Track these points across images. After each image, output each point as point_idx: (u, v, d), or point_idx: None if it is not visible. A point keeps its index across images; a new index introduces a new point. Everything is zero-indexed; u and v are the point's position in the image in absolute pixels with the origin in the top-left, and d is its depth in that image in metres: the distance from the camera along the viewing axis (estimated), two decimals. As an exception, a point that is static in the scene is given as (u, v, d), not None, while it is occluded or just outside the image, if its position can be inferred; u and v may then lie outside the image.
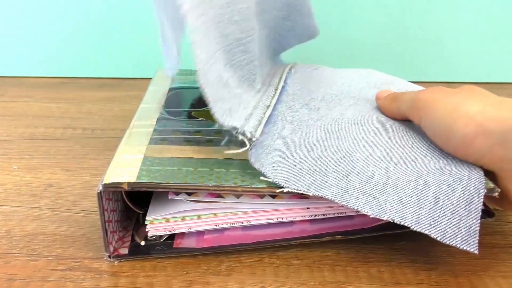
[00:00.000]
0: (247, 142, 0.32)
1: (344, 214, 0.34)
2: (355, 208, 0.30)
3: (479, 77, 0.70)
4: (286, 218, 0.34)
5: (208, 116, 0.43)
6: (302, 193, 0.31)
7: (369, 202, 0.31)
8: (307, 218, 0.34)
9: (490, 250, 0.35)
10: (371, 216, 0.30)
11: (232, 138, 0.36)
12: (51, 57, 0.71)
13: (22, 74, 0.71)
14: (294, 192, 0.31)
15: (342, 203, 0.30)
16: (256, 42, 0.38)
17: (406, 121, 0.38)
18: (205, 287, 0.31)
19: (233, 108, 0.34)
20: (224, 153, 0.34)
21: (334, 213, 0.34)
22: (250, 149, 0.32)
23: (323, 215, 0.34)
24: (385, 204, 0.31)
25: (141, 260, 0.33)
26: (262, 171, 0.32)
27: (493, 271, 0.32)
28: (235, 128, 0.33)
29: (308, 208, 0.34)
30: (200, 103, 0.46)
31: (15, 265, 0.33)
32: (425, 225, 0.30)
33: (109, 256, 0.33)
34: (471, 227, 0.30)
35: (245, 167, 0.34)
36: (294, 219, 0.34)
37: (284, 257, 0.34)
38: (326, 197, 0.31)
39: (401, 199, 0.31)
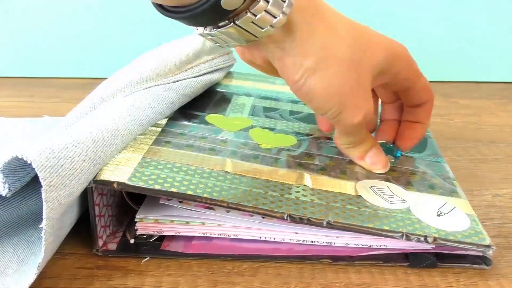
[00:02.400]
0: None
1: (333, 244, 0.33)
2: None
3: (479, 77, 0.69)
4: (274, 239, 0.34)
5: (221, 123, 0.43)
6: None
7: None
8: (294, 242, 0.34)
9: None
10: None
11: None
12: (79, 58, 0.72)
13: (51, 75, 0.73)
14: None
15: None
16: None
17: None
18: (230, 287, 0.31)
19: None
20: None
21: (323, 242, 0.33)
22: None
23: (311, 241, 0.34)
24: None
25: (167, 260, 0.33)
26: None
27: (524, 275, 0.32)
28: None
29: (296, 233, 0.33)
30: (216, 107, 0.46)
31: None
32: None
33: (97, 250, 0.33)
34: None
35: (239, 182, 0.34)
36: (282, 241, 0.34)
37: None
38: None
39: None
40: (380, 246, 0.33)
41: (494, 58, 0.70)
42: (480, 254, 0.32)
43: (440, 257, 0.33)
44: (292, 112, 0.48)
